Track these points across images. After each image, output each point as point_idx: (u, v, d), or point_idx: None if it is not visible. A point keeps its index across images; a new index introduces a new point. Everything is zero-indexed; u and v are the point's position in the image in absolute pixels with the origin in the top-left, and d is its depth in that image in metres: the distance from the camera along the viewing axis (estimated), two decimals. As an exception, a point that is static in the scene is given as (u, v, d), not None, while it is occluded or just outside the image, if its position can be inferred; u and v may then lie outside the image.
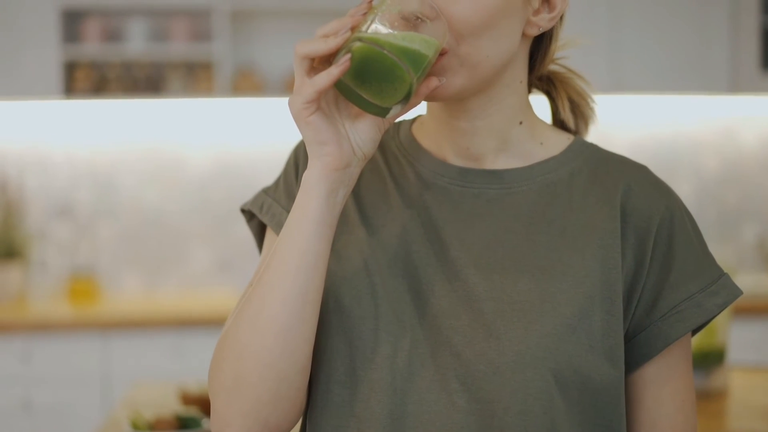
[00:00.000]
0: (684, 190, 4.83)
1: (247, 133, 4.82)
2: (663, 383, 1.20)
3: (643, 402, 1.21)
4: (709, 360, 2.65)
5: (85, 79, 4.50)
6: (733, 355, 3.15)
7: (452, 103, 1.21)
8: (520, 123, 1.24)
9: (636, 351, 1.19)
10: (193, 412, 2.37)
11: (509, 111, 1.22)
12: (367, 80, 1.05)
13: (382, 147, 1.29)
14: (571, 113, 1.31)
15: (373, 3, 1.07)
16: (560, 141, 1.27)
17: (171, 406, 2.51)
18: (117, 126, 4.76)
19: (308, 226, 1.11)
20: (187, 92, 4.57)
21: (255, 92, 4.59)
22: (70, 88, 4.50)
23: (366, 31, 1.04)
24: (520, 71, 1.23)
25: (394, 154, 1.28)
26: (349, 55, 1.03)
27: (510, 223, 1.20)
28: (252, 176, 4.78)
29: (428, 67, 1.06)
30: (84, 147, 4.75)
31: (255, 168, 4.79)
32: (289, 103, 1.07)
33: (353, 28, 1.05)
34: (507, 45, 1.16)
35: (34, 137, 4.73)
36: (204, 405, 2.42)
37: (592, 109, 1.32)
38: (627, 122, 4.97)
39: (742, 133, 5.07)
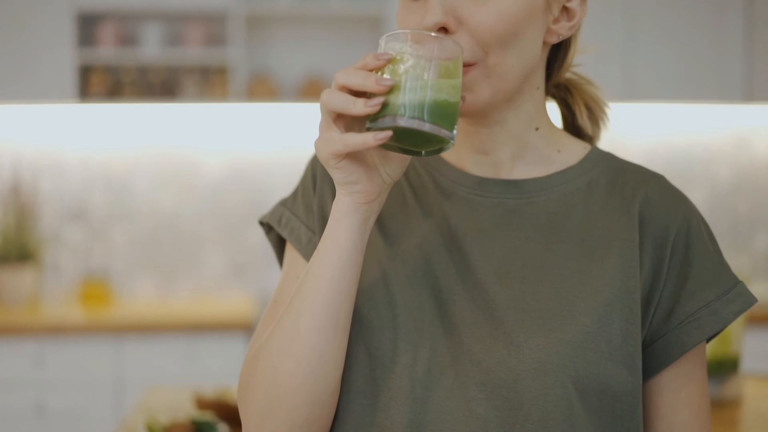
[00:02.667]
0: (697, 199, 4.82)
1: (262, 139, 4.82)
2: (679, 390, 1.21)
3: (659, 409, 1.21)
4: (723, 369, 2.64)
5: (100, 83, 4.52)
6: (746, 364, 3.14)
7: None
8: (537, 129, 1.25)
9: (653, 358, 1.20)
10: (208, 416, 2.37)
11: (526, 117, 1.23)
12: (404, 140, 1.05)
13: None
14: (588, 120, 1.32)
15: (396, 52, 1.04)
16: (577, 149, 1.28)
17: (185, 411, 2.51)
18: (131, 130, 4.78)
19: (340, 255, 1.11)
20: (201, 97, 4.58)
21: (270, 97, 4.60)
22: (85, 92, 4.52)
23: (401, 104, 1.02)
24: (538, 79, 1.24)
25: (413, 164, 1.29)
26: (389, 133, 1.01)
27: (529, 233, 1.21)
28: (266, 181, 4.79)
29: (459, 104, 1.06)
30: (98, 151, 4.77)
31: (269, 173, 4.79)
32: (316, 147, 1.05)
33: (376, 69, 1.03)
34: (530, 53, 1.17)
35: (48, 141, 4.74)
36: (219, 410, 2.42)
37: (606, 115, 1.33)
38: (641, 130, 4.97)
39: (755, 142, 5.06)
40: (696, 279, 1.20)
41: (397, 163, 1.10)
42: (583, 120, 1.31)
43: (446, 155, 1.27)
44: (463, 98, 1.08)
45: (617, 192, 1.23)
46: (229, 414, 2.41)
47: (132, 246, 4.80)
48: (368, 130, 1.03)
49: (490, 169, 1.25)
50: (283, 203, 1.32)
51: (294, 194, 1.32)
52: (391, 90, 1.01)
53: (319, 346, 1.12)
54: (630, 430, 1.17)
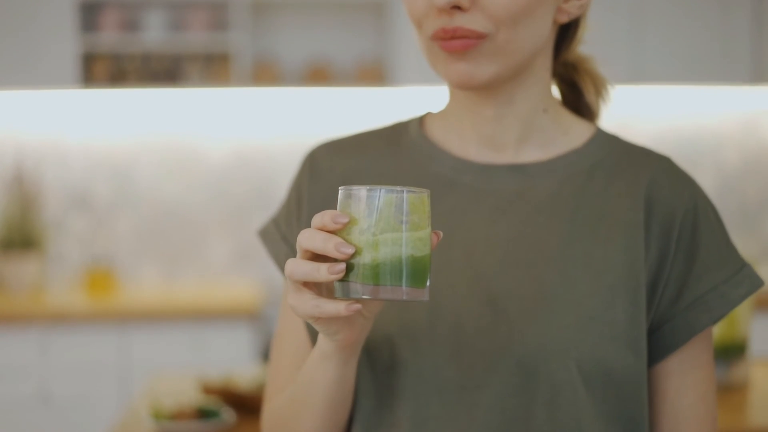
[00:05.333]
0: (704, 182, 4.79)
1: (267, 124, 4.81)
2: (685, 374, 1.20)
3: (666, 393, 1.20)
4: (730, 353, 2.63)
5: (103, 69, 4.51)
6: (754, 348, 3.12)
7: (479, 91, 1.20)
8: (545, 110, 1.24)
9: (660, 342, 1.19)
10: (213, 402, 2.37)
11: (535, 98, 1.22)
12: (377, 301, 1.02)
13: (394, 150, 1.28)
14: (595, 97, 1.31)
15: (355, 210, 0.98)
16: (583, 131, 1.27)
17: (190, 397, 2.51)
18: (135, 117, 4.77)
19: (329, 385, 1.14)
20: (205, 83, 4.57)
21: (274, 82, 4.59)
22: (88, 79, 4.50)
23: (367, 270, 0.97)
24: (546, 58, 1.23)
25: (409, 155, 1.27)
26: (359, 306, 0.98)
27: (532, 217, 1.20)
28: (270, 167, 4.77)
29: (430, 254, 1.00)
30: (102, 138, 4.76)
31: (273, 159, 4.78)
32: (290, 302, 1.02)
33: (334, 232, 0.98)
34: (541, 32, 1.17)
35: (51, 128, 4.73)
36: (225, 395, 2.42)
37: (609, 93, 1.32)
38: (648, 113, 4.94)
39: (764, 124, 5.03)
40: (703, 261, 1.18)
41: (376, 303, 1.06)
42: (590, 97, 1.30)
43: (448, 142, 1.26)
44: (437, 234, 1.02)
45: (623, 174, 1.22)
46: (235, 399, 2.41)
47: (136, 233, 4.79)
48: (338, 287, 0.99)
49: (495, 153, 1.23)
50: (275, 221, 1.32)
51: (282, 210, 1.32)
52: (356, 251, 0.97)
53: (323, 426, 1.18)
54: (635, 414, 1.16)
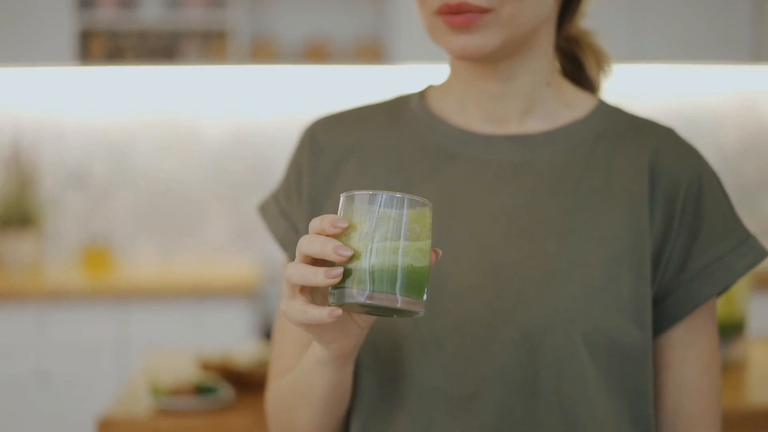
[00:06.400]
0: (704, 162, 4.77)
1: (264, 102, 4.79)
2: (689, 345, 1.19)
3: (670, 364, 1.20)
4: (729, 331, 2.62)
5: (100, 47, 4.49)
6: (753, 326, 3.11)
7: (482, 65, 1.19)
8: (548, 84, 1.23)
9: (664, 313, 1.18)
10: (211, 379, 2.36)
11: (538, 72, 1.22)
12: (372, 310, 0.99)
13: (394, 123, 1.27)
14: (597, 70, 1.31)
15: (355, 215, 0.97)
16: (586, 103, 1.26)
17: (189, 373, 2.51)
18: (132, 95, 4.75)
19: (326, 381, 1.14)
20: (203, 60, 4.55)
21: (272, 60, 4.57)
22: (85, 56, 4.49)
23: (364, 275, 0.95)
24: (549, 32, 1.22)
25: (410, 128, 1.26)
26: (339, 312, 0.96)
27: (536, 188, 1.19)
28: (268, 145, 4.76)
29: (429, 267, 0.99)
30: (99, 116, 4.74)
31: (271, 137, 4.77)
32: (283, 308, 1.02)
33: (334, 236, 0.97)
34: (544, 5, 1.17)
35: (49, 106, 4.72)
36: (224, 372, 2.42)
37: (611, 67, 1.32)
38: (647, 92, 4.93)
39: (763, 103, 5.02)
40: (708, 232, 1.18)
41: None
42: (592, 71, 1.30)
43: (450, 114, 1.25)
44: (436, 252, 1.01)
45: (626, 145, 1.21)
46: (233, 376, 2.41)
47: (134, 211, 4.78)
48: (333, 293, 0.98)
49: (497, 126, 1.23)
50: (275, 197, 1.32)
51: (282, 185, 1.31)
52: (354, 256, 0.96)
53: (320, 428, 1.20)
54: (639, 386, 1.16)
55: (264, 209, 1.32)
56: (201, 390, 2.32)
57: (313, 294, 1.01)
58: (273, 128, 4.78)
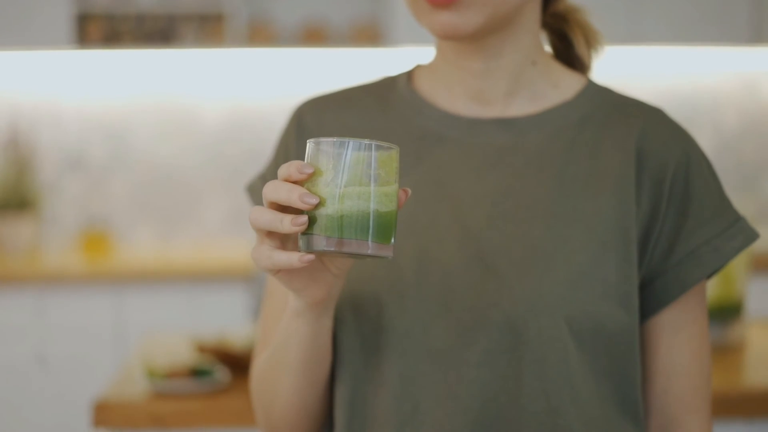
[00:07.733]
0: (703, 143, 4.71)
1: (262, 85, 4.78)
2: (678, 330, 1.18)
3: (658, 349, 1.18)
4: (726, 313, 2.62)
5: (97, 30, 4.48)
6: (751, 308, 3.11)
7: (466, 44, 1.18)
8: (534, 63, 1.21)
9: (652, 298, 1.17)
10: (207, 361, 2.37)
11: (523, 51, 1.20)
12: (342, 252, 0.98)
13: (382, 105, 1.26)
14: (586, 48, 1.28)
15: (322, 161, 0.96)
16: (573, 83, 1.24)
17: (185, 356, 2.51)
18: (130, 79, 4.74)
19: (303, 334, 1.12)
20: (200, 43, 4.54)
21: (270, 43, 4.56)
22: (82, 40, 4.48)
23: (331, 221, 0.95)
24: (535, 9, 1.20)
25: (397, 110, 1.25)
26: (312, 257, 0.96)
27: (521, 171, 1.18)
28: (266, 128, 4.75)
29: (397, 211, 0.98)
30: (96, 100, 4.73)
31: (269, 120, 4.76)
32: (252, 254, 1.01)
33: (299, 182, 0.96)
34: None
35: (46, 90, 4.71)
36: (219, 355, 2.42)
37: (601, 44, 1.29)
38: (646, 74, 4.91)
39: (763, 85, 5.00)
40: (696, 215, 1.16)
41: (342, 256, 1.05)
42: (581, 49, 1.27)
43: (436, 96, 1.24)
44: (405, 191, 1.00)
45: (613, 127, 1.20)
46: (229, 359, 2.41)
47: (131, 194, 4.78)
48: (302, 240, 0.97)
49: (483, 108, 1.21)
50: (262, 178, 1.31)
51: (270, 162, 1.31)
52: (321, 202, 0.95)
53: (301, 393, 1.18)
54: (626, 371, 1.15)
55: (252, 189, 1.31)
56: (197, 373, 2.32)
57: (283, 240, 1.00)
58: (270, 112, 4.77)
